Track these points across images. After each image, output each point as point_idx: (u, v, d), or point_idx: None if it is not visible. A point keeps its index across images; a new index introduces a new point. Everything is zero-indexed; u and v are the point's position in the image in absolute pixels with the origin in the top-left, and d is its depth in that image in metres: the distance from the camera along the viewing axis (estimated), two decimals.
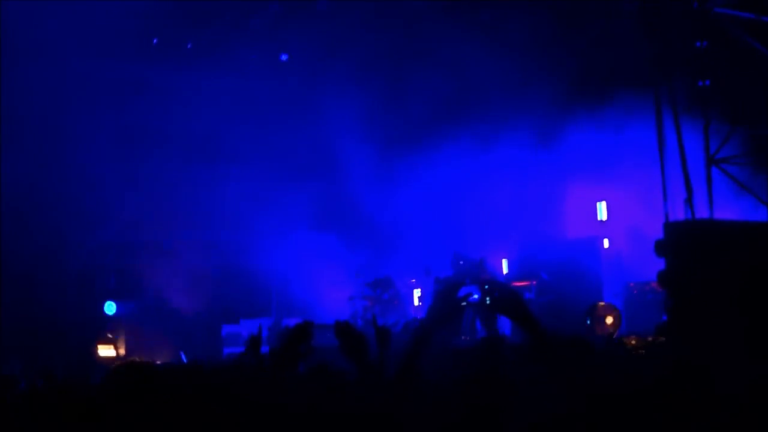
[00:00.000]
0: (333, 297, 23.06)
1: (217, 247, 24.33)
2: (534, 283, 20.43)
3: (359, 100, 22.54)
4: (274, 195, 24.03)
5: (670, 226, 12.93)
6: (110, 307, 22.11)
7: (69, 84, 20.91)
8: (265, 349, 13.14)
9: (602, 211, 21.54)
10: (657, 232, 12.85)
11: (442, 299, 4.68)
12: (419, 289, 23.31)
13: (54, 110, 20.75)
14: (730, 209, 14.73)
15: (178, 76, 23.15)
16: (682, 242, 12.40)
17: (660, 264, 12.58)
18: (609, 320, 17.99)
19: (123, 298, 22.49)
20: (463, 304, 4.59)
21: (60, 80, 20.62)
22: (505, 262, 22.36)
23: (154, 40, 22.84)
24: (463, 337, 18.95)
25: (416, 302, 23.29)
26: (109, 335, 21.42)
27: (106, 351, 21.10)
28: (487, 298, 4.57)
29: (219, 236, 24.16)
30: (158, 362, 19.37)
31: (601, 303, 18.58)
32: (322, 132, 23.18)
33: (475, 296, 4.52)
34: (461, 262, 21.72)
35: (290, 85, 23.95)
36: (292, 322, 21.70)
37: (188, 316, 22.34)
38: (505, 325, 19.97)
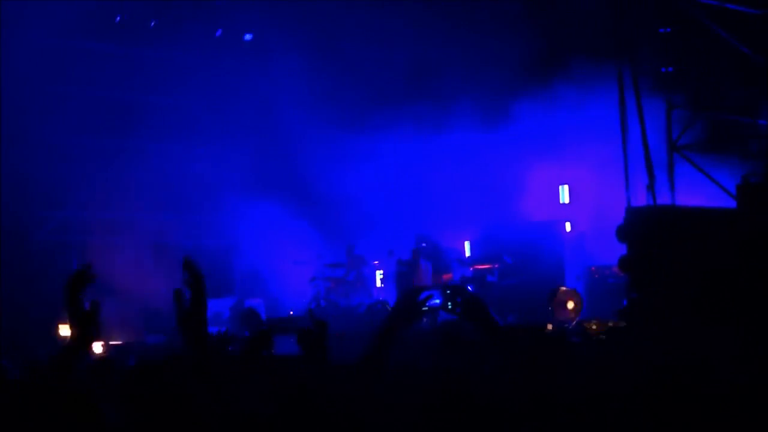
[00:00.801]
0: (296, 277, 23.06)
1: (181, 225, 24.21)
2: (497, 266, 20.50)
3: (321, 80, 22.51)
4: (236, 173, 23.98)
5: (631, 212, 12.99)
6: None
7: (33, 59, 20.75)
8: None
9: (565, 194, 21.64)
10: (619, 216, 12.92)
11: (404, 303, 4.70)
12: (382, 271, 23.33)
13: (18, 85, 20.57)
14: (691, 196, 14.82)
15: (142, 52, 23.07)
16: (644, 228, 12.48)
17: (622, 249, 12.65)
18: (570, 305, 18.06)
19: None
20: (425, 308, 4.60)
21: (24, 56, 20.46)
22: (467, 245, 22.41)
23: (117, 18, 22.72)
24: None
25: (379, 284, 23.32)
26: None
27: (67, 331, 20.98)
28: (449, 303, 4.57)
29: (182, 214, 24.05)
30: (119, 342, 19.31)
31: (563, 288, 18.64)
32: (284, 111, 23.11)
33: (437, 301, 4.49)
34: (423, 244, 21.76)
35: (252, 63, 23.87)
36: (255, 302, 21.71)
37: (151, 295, 22.23)
38: None
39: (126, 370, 4.20)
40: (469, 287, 20.17)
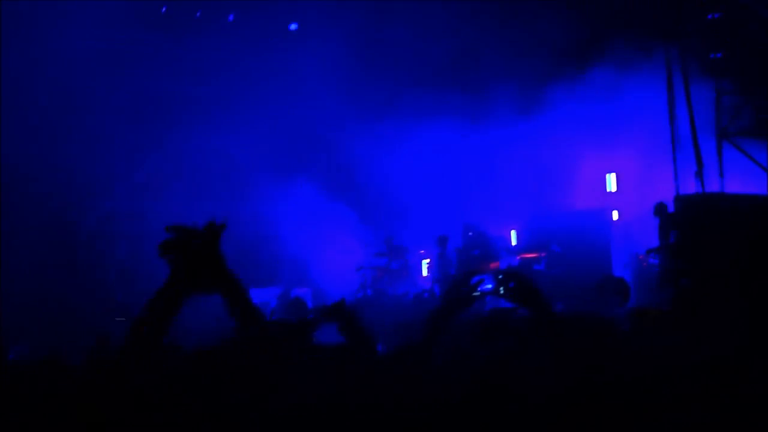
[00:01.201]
0: (343, 266, 23.08)
1: (226, 213, 24.26)
2: (544, 255, 20.43)
3: (366, 67, 22.53)
4: (285, 163, 24.02)
5: (680, 199, 12.93)
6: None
7: (81, 52, 20.89)
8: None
9: (612, 182, 21.52)
10: (667, 205, 12.87)
11: (455, 288, 4.68)
12: (429, 260, 23.31)
13: (63, 77, 20.71)
14: (740, 183, 14.72)
15: (187, 43, 23.17)
16: (693, 215, 12.42)
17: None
18: (618, 293, 17.95)
19: (132, 268, 22.48)
20: (476, 293, 4.58)
21: (72, 49, 20.60)
22: (514, 234, 22.36)
23: (163, 9, 22.84)
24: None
25: (425, 273, 23.30)
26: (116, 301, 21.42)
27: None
28: (501, 288, 4.54)
29: (228, 204, 24.14)
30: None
31: (610, 275, 18.55)
32: (332, 101, 23.13)
33: (489, 286, 4.46)
34: (470, 233, 21.72)
35: (299, 55, 23.89)
36: (302, 292, 21.76)
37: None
38: None
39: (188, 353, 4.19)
40: None
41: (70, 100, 21.09)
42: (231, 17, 23.82)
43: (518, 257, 21.14)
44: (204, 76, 23.31)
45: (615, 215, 20.67)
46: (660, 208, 18.36)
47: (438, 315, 4.58)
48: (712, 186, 14.11)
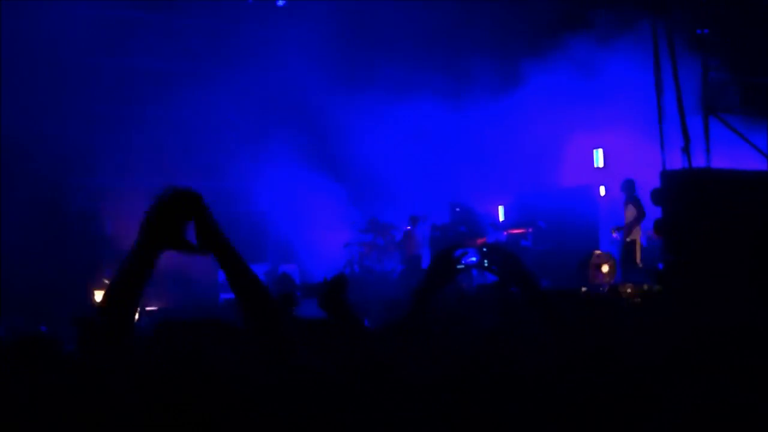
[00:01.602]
0: (330, 243, 23.09)
1: (213, 192, 24.26)
2: (530, 230, 20.48)
3: (351, 47, 22.53)
4: (271, 139, 23.98)
5: (667, 175, 12.94)
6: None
7: (67, 29, 20.82)
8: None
9: (599, 158, 21.54)
10: (654, 180, 12.88)
11: (439, 262, 4.68)
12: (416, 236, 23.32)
13: (53, 55, 20.68)
14: (727, 159, 14.73)
15: (173, 20, 23.11)
16: (679, 191, 12.43)
17: (657, 212, 12.62)
18: (605, 269, 18.05)
19: (119, 245, 22.45)
20: (460, 266, 4.58)
21: (58, 26, 20.54)
22: (501, 210, 22.39)
23: None
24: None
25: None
26: (106, 281, 21.40)
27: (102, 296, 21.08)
28: (485, 261, 4.54)
29: (215, 181, 24.11)
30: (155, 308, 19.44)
31: (597, 252, 18.61)
32: (317, 77, 23.08)
33: (473, 259, 4.45)
34: (457, 209, 21.75)
35: (284, 30, 23.82)
36: (289, 268, 21.78)
37: (185, 261, 22.28)
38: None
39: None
40: None
41: (56, 77, 21.04)
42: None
43: (505, 233, 21.19)
44: (190, 51, 23.27)
45: (602, 191, 20.70)
46: (627, 185, 18.39)
47: (422, 289, 4.57)
48: (699, 161, 14.11)
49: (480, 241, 20.98)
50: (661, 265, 12.76)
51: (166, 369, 3.57)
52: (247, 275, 4.05)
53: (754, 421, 3.79)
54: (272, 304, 3.94)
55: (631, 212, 18.04)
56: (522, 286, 4.45)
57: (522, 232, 20.63)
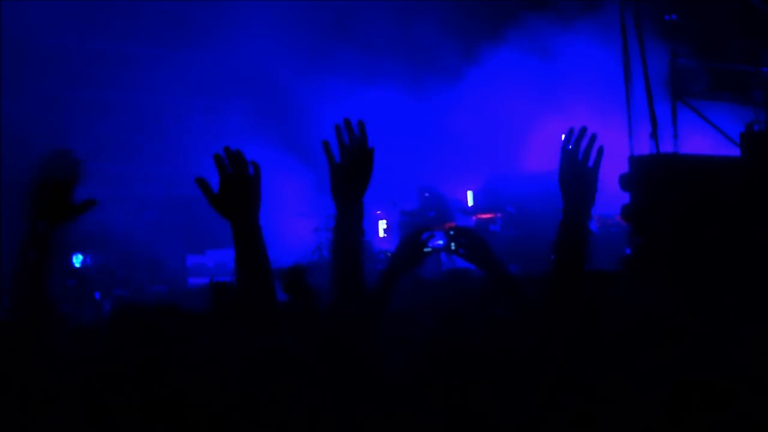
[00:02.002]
0: (300, 228, 23.02)
1: (182, 176, 24.21)
2: (499, 216, 20.48)
3: (317, 30, 22.51)
4: (238, 126, 23.90)
5: (634, 160, 13.00)
6: (77, 259, 21.85)
7: (32, 12, 20.68)
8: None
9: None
10: (622, 166, 12.92)
11: (406, 244, 4.68)
12: (385, 221, 23.29)
13: (17, 38, 20.53)
14: (694, 144, 14.81)
15: (141, 4, 22.99)
16: (647, 176, 12.49)
17: (624, 197, 12.67)
18: None
19: (87, 229, 22.33)
20: (427, 249, 4.59)
21: (23, 8, 20.40)
22: (470, 195, 22.37)
23: None
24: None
25: (382, 234, 23.29)
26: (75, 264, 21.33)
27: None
28: (452, 244, 4.54)
29: (184, 166, 24.02)
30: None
31: None
32: (284, 62, 23.03)
33: (440, 242, 4.46)
34: (426, 194, 21.75)
35: (247, 12, 23.70)
36: None
37: (154, 246, 22.25)
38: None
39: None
40: None
41: (19, 60, 20.90)
42: None
43: (474, 218, 21.19)
44: (153, 35, 23.17)
45: None
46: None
47: (388, 272, 4.57)
48: (667, 147, 14.17)
49: (448, 225, 20.99)
50: (628, 250, 12.83)
51: (118, 353, 3.55)
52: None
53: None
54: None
55: None
56: (488, 269, 4.46)
57: (491, 217, 20.64)
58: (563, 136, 4.63)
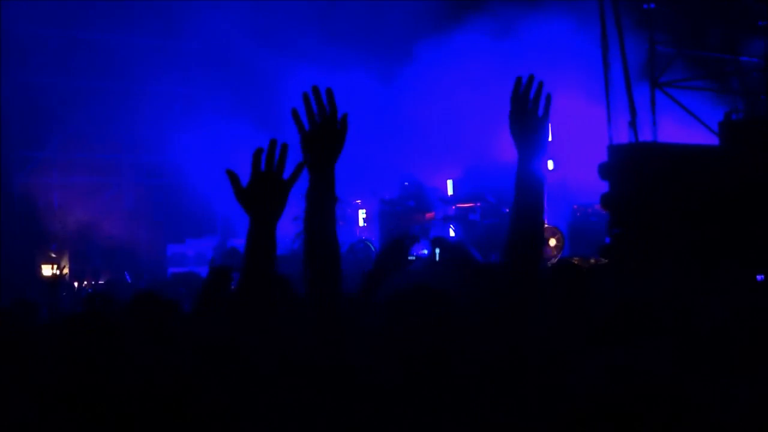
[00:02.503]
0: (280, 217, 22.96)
1: (160, 166, 24.18)
2: (479, 205, 20.50)
3: (293, 18, 22.50)
4: (220, 115, 23.85)
5: (613, 149, 13.03)
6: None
7: (10, 1, 20.61)
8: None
9: (548, 132, 21.60)
10: (601, 155, 12.95)
11: (391, 250, 4.69)
12: (364, 210, 23.27)
13: None
14: (673, 133, 14.85)
15: None
16: (626, 165, 12.52)
17: (604, 186, 12.70)
18: (552, 242, 18.13)
19: (66, 216, 22.30)
20: (411, 257, 4.63)
21: None
22: (450, 184, 22.38)
23: None
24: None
25: (361, 223, 23.28)
26: (52, 254, 21.28)
27: (48, 270, 21.00)
28: (437, 253, 4.57)
29: (163, 154, 23.98)
30: (102, 282, 19.35)
31: (545, 225, 18.68)
32: (259, 51, 22.99)
33: (425, 251, 4.54)
34: (406, 183, 21.75)
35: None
36: (238, 243, 21.70)
37: (133, 235, 22.22)
38: None
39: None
40: (451, 226, 20.24)
41: (4, 47, 20.84)
42: None
43: (454, 207, 21.21)
44: (143, 27, 23.11)
45: (550, 165, 20.75)
46: None
47: (374, 275, 4.59)
48: (646, 135, 14.21)
49: (429, 215, 21.01)
50: (608, 239, 12.86)
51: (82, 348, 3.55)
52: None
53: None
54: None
55: None
56: (469, 270, 4.48)
57: (471, 206, 20.66)
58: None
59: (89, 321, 3.72)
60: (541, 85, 4.57)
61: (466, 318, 3.89)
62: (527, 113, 4.53)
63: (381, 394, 3.49)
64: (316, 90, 4.51)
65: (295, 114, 4.46)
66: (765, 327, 4.13)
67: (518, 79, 4.56)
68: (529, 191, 4.47)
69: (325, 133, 4.47)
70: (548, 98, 4.58)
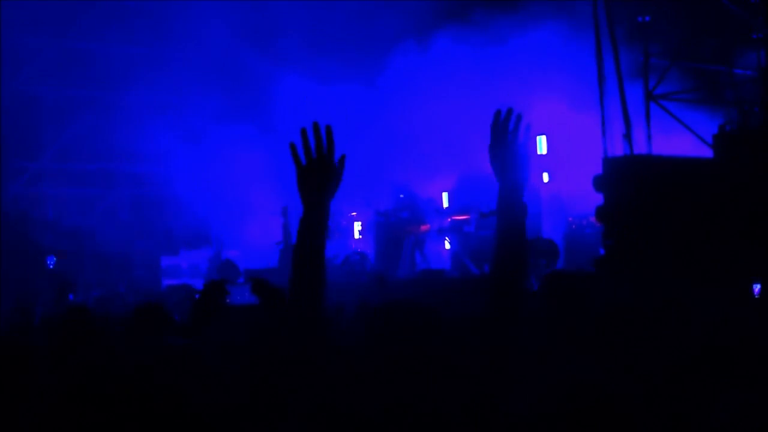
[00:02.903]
0: (273, 228, 22.97)
1: (156, 177, 24.18)
2: (474, 216, 20.50)
3: (292, 33, 22.52)
4: (217, 125, 23.84)
5: (608, 161, 13.03)
6: (52, 260, 21.72)
7: (5, 10, 20.59)
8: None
9: (542, 144, 21.57)
10: (596, 167, 12.95)
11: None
12: (359, 222, 23.26)
13: None
14: (668, 145, 14.86)
15: (115, 2, 22.93)
16: (620, 177, 12.52)
17: (599, 199, 12.69)
18: (546, 255, 18.10)
19: (61, 229, 22.27)
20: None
21: None
22: (445, 196, 22.38)
23: None
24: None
25: (357, 235, 23.26)
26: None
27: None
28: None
29: (158, 164, 23.99)
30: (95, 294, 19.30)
31: (539, 237, 18.67)
32: (252, 59, 23.01)
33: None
34: (401, 195, 21.74)
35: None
36: (232, 254, 21.69)
37: (127, 246, 22.19)
38: (444, 258, 20.11)
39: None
40: (446, 238, 20.25)
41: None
42: None
43: (449, 219, 21.21)
44: (138, 36, 23.14)
45: (545, 177, 20.74)
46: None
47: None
48: (640, 148, 14.22)
49: (423, 227, 20.99)
50: (602, 251, 12.86)
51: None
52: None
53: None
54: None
55: None
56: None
57: (465, 218, 20.66)
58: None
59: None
60: (519, 117, 4.62)
61: (451, 330, 3.87)
62: (506, 145, 4.58)
63: (361, 407, 3.49)
64: (315, 126, 4.53)
65: (292, 148, 4.47)
66: (757, 338, 4.13)
67: (497, 112, 4.59)
68: (509, 220, 4.53)
69: (320, 169, 4.48)
70: (527, 128, 4.63)
